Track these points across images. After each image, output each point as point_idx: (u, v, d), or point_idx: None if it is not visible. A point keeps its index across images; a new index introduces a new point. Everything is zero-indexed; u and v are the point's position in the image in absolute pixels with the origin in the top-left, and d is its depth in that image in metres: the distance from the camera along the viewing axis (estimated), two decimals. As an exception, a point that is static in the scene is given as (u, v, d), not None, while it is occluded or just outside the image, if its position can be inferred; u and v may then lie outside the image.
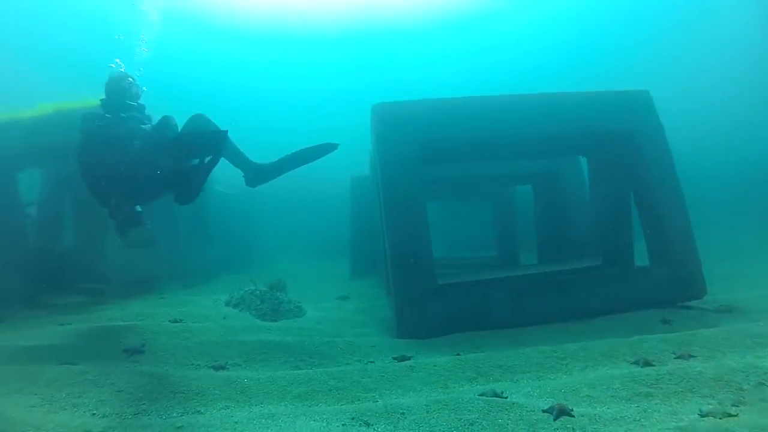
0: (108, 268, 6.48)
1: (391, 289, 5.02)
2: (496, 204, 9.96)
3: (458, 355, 3.88)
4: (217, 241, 11.02)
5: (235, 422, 2.59)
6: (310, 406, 2.89)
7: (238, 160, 5.46)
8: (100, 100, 4.97)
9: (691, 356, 3.33)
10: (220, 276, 10.34)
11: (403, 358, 3.87)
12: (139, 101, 5.14)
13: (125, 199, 4.69)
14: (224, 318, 5.41)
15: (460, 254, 10.74)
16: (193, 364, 3.74)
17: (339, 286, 9.10)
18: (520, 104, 5.38)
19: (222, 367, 3.68)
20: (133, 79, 5.14)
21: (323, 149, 5.47)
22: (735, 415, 2.33)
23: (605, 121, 5.39)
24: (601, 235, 5.98)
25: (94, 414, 2.70)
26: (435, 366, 3.51)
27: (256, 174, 5.48)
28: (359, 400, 2.99)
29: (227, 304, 6.06)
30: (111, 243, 6.61)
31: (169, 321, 5.00)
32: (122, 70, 5.22)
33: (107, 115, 4.79)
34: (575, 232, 7.24)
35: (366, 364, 3.84)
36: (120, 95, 4.95)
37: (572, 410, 2.51)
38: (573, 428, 2.35)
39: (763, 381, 2.70)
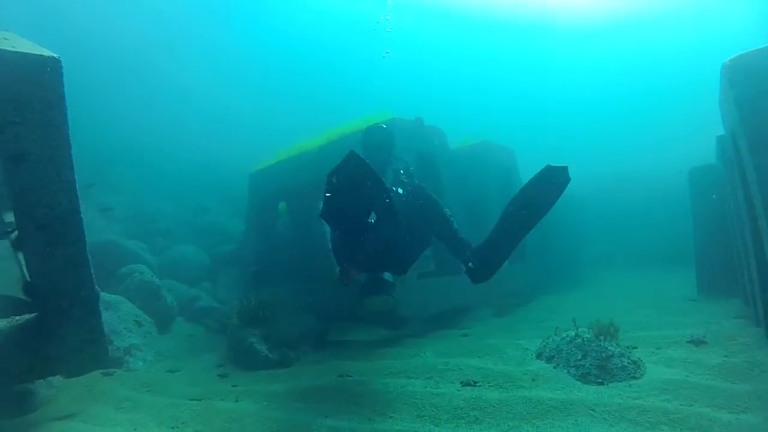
0: (410, 298, 6.03)
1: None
2: None
3: None
4: (533, 258, 9.80)
5: None
6: None
7: (457, 245, 4.56)
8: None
9: None
10: (537, 297, 9.08)
11: None
12: (388, 153, 4.77)
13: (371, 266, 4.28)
14: (533, 380, 4.09)
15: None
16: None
17: (685, 311, 6.67)
18: None
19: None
20: (386, 131, 4.86)
21: (550, 181, 4.03)
22: None
23: None
24: None
25: None
26: None
27: (482, 260, 4.38)
28: None
29: (538, 356, 4.69)
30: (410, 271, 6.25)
31: (461, 384, 4.01)
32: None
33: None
34: None
35: None
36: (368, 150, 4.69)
37: None
38: None
39: None
